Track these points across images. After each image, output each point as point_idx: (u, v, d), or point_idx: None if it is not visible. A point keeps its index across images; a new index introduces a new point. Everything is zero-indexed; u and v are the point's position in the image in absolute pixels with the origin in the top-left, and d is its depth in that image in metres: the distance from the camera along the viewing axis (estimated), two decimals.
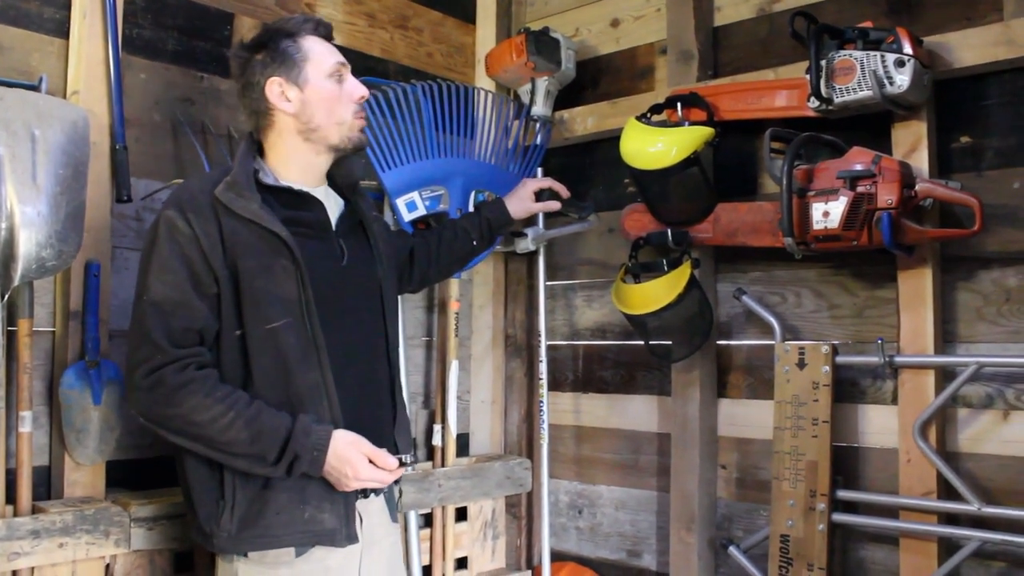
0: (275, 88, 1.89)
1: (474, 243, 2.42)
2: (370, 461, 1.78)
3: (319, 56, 1.91)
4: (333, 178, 2.03)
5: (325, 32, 1.96)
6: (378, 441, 1.84)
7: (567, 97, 3.06)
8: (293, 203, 1.88)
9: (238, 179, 1.80)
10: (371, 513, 1.92)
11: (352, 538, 1.81)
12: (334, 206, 1.99)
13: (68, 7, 2.20)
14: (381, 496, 1.96)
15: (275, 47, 1.90)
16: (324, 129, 1.90)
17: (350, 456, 1.75)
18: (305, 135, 1.90)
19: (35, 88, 2.04)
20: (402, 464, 1.83)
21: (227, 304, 1.76)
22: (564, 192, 2.66)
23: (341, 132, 1.92)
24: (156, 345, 1.70)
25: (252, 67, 1.91)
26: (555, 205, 2.62)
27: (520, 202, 2.55)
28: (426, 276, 2.39)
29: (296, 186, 1.90)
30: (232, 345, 1.77)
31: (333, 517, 1.79)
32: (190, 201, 1.78)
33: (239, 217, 1.77)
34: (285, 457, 1.70)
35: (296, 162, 1.92)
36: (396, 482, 1.98)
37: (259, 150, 1.94)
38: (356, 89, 1.94)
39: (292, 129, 1.90)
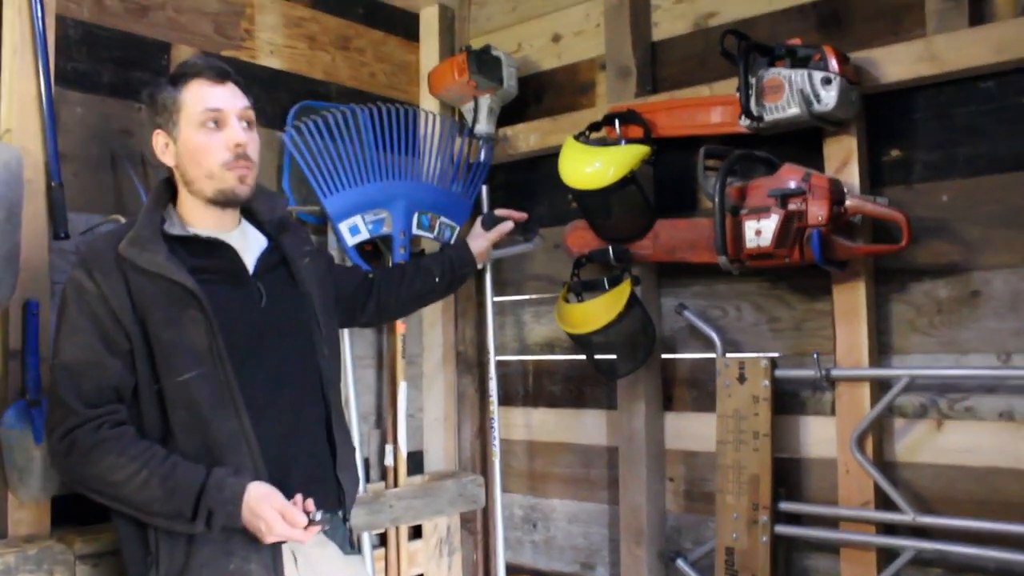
0: (159, 140, 1.89)
1: (436, 279, 2.43)
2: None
3: (190, 104, 1.84)
4: (256, 215, 2.00)
5: (213, 75, 1.86)
6: (315, 482, 1.84)
7: (512, 112, 3.08)
8: (202, 251, 1.86)
9: (141, 233, 1.79)
10: (307, 553, 1.87)
11: None
12: (254, 246, 1.96)
13: None
14: (321, 533, 1.89)
15: (157, 97, 1.88)
16: (198, 182, 1.86)
17: (263, 512, 1.70)
18: (187, 187, 1.89)
19: None
20: (311, 523, 1.74)
21: (141, 359, 1.76)
22: (519, 216, 2.65)
23: (213, 185, 1.85)
24: (68, 407, 1.71)
25: (148, 117, 1.91)
26: (508, 226, 2.61)
27: (477, 239, 2.54)
28: (384, 309, 2.38)
29: (204, 233, 1.87)
30: (151, 399, 1.76)
31: (260, 567, 1.76)
32: (95, 260, 1.77)
33: (144, 271, 1.76)
34: (200, 513, 1.68)
35: (196, 211, 1.90)
36: (345, 519, 1.99)
37: (173, 196, 1.93)
38: (231, 137, 1.84)
39: (179, 180, 1.90)
